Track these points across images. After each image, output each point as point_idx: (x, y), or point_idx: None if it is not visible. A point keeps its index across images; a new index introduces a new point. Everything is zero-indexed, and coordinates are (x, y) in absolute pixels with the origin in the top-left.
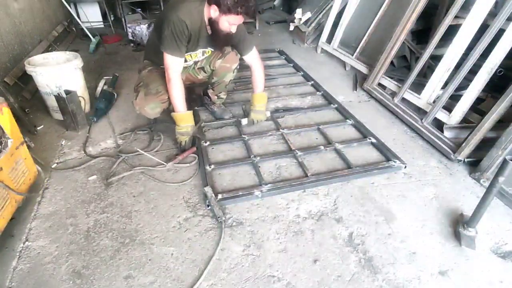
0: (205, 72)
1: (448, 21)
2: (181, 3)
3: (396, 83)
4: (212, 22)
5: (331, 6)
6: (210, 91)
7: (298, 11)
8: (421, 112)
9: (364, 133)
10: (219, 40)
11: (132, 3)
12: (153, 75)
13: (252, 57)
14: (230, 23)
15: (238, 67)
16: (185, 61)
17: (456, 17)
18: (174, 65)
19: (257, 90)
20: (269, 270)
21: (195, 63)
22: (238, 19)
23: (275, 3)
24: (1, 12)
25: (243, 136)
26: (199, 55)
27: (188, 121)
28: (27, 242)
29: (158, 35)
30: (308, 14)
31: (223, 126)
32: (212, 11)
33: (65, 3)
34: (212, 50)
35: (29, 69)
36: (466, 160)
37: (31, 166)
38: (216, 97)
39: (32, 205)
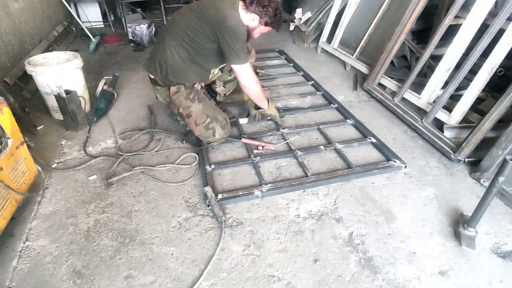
0: (221, 72)
1: (448, 21)
2: (228, 11)
3: (396, 83)
4: (247, 29)
5: (331, 6)
6: (220, 89)
7: (298, 11)
8: (421, 112)
9: (364, 133)
10: (248, 42)
11: (132, 3)
12: (207, 103)
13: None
14: (262, 32)
15: None
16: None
17: (456, 17)
18: (248, 69)
19: None
20: (269, 270)
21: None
22: (268, 31)
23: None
24: (1, 12)
25: (243, 136)
26: None
27: (272, 108)
28: (27, 242)
29: (193, 51)
30: (308, 14)
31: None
32: (251, 21)
33: (65, 3)
34: None
35: (29, 69)
36: (466, 160)
37: (31, 166)
38: (224, 94)
39: (32, 205)
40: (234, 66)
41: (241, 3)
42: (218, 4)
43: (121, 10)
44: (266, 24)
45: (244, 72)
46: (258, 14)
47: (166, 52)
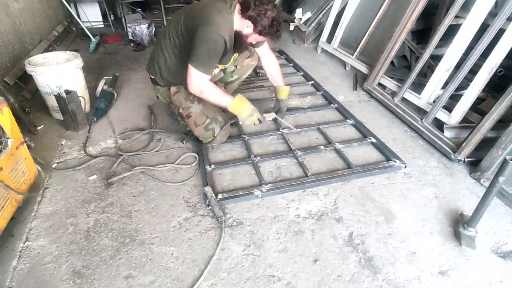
0: (223, 73)
1: (448, 21)
2: (212, 14)
3: (396, 83)
4: (240, 34)
5: (331, 6)
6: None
7: (298, 11)
8: (421, 112)
9: (364, 133)
10: (243, 48)
11: (132, 3)
12: (207, 103)
13: (266, 49)
14: (257, 40)
15: None
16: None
17: (456, 17)
18: (203, 79)
19: (281, 81)
20: (269, 270)
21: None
22: (265, 39)
23: (275, 3)
24: (1, 12)
25: (243, 136)
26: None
27: (244, 103)
28: (27, 242)
29: (184, 52)
30: (308, 14)
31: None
32: (245, 27)
33: (65, 2)
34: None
35: (29, 69)
36: (466, 160)
37: (31, 166)
38: None
39: (32, 205)
40: (189, 65)
41: (238, 7)
42: (209, 9)
43: (121, 10)
44: (260, 33)
45: (192, 76)
46: (252, 22)
47: (164, 54)
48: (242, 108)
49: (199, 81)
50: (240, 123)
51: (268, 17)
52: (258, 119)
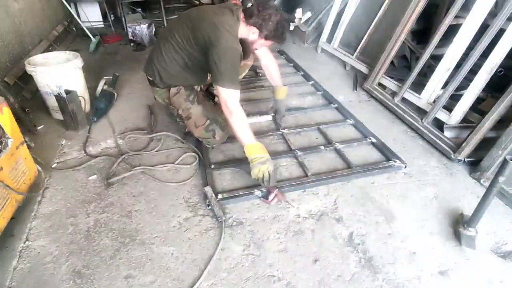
0: None
1: (448, 20)
2: (223, 28)
3: (396, 82)
4: (246, 41)
5: (331, 6)
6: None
7: (298, 11)
8: (421, 112)
9: (364, 133)
10: (249, 54)
11: (132, 3)
12: (207, 104)
13: (265, 49)
14: (263, 45)
15: None
16: None
17: (456, 16)
18: (234, 96)
19: (280, 81)
20: (269, 269)
21: None
22: (271, 44)
23: (275, 3)
24: (1, 12)
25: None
26: None
27: (263, 151)
28: (27, 242)
29: (190, 59)
30: (308, 14)
31: None
32: (251, 33)
33: (65, 2)
34: None
35: (29, 68)
36: (466, 160)
37: (31, 165)
38: None
39: (32, 204)
40: (217, 87)
41: (242, 15)
42: (215, 19)
43: (121, 10)
44: (266, 38)
45: (223, 95)
46: (257, 28)
47: (164, 57)
48: (258, 153)
49: (232, 97)
50: (250, 166)
51: (273, 21)
52: (268, 173)
